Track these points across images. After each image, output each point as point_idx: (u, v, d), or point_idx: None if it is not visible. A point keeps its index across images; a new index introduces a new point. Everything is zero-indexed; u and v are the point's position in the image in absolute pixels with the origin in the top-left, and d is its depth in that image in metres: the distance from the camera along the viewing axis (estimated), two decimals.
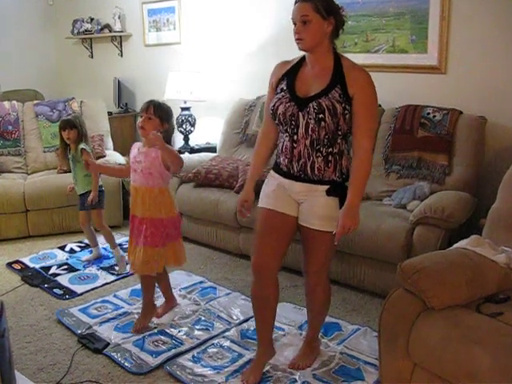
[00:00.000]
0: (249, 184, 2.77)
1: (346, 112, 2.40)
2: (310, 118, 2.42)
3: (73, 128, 3.98)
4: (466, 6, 3.83)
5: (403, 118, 3.94)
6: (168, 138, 3.19)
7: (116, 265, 4.15)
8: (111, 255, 4.30)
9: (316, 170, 2.48)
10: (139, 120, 3.08)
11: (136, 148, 3.19)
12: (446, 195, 3.51)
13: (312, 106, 2.41)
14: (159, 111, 3.05)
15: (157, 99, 3.16)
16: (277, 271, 2.67)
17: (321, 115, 2.39)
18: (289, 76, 2.55)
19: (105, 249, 4.39)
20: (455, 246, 2.64)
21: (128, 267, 4.03)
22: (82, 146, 3.96)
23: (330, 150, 2.47)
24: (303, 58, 2.55)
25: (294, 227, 2.64)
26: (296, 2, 2.42)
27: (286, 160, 2.54)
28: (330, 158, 2.48)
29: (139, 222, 3.12)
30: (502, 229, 2.78)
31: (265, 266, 2.62)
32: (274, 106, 2.53)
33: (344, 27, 2.48)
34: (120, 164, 4.82)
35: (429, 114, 3.85)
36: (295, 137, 2.49)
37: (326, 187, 2.50)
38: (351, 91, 2.39)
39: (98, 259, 4.31)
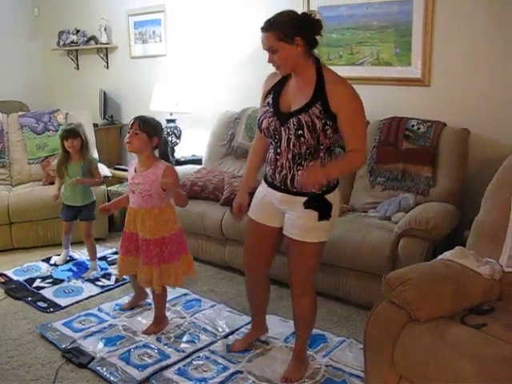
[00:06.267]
0: (243, 189, 2.91)
1: (327, 128, 2.42)
2: (291, 134, 2.46)
3: (76, 137, 4.00)
4: (448, 19, 3.88)
5: (388, 130, 3.96)
6: (163, 153, 3.18)
7: (99, 279, 4.13)
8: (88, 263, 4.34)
9: (295, 182, 2.52)
10: (126, 136, 3.06)
11: (133, 168, 3.16)
12: (431, 207, 3.53)
13: (292, 122, 2.44)
14: (145, 126, 3.04)
15: (144, 114, 3.15)
16: (266, 271, 2.96)
17: (300, 131, 2.43)
18: (276, 89, 2.59)
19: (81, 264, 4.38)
20: (440, 257, 2.65)
21: (93, 274, 4.17)
22: (96, 160, 4.14)
23: (312, 163, 2.49)
24: None
25: (277, 237, 2.76)
26: (261, 31, 2.44)
27: (271, 171, 2.62)
28: None
29: (142, 243, 3.12)
30: (485, 240, 2.80)
31: (253, 268, 2.93)
32: (259, 119, 2.61)
33: (323, 32, 2.45)
34: (106, 177, 4.85)
35: (413, 126, 3.88)
36: (278, 150, 2.54)
37: (305, 199, 2.53)
38: (334, 109, 2.40)
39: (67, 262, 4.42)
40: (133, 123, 3.04)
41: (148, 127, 3.05)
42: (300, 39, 2.39)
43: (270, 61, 2.45)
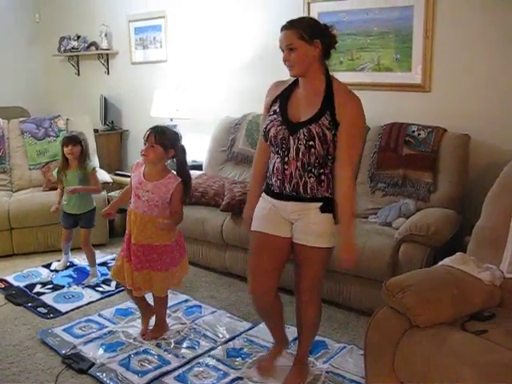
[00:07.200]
0: (252, 200, 2.80)
1: (336, 139, 2.43)
2: (300, 144, 2.44)
3: (76, 144, 4.03)
4: (448, 25, 3.89)
5: (388, 136, 3.97)
6: (181, 164, 3.13)
7: (99, 284, 4.13)
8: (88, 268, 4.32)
9: (309, 189, 2.50)
10: (143, 148, 3.02)
11: (140, 170, 3.10)
12: (431, 212, 3.53)
13: (302, 132, 2.43)
14: (161, 139, 2.98)
15: (161, 124, 3.09)
16: (274, 289, 2.74)
17: (311, 142, 2.42)
18: (282, 98, 2.58)
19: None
20: (440, 263, 2.65)
21: (94, 280, 4.14)
22: (93, 166, 4.12)
23: (322, 170, 2.49)
24: (297, 80, 2.57)
25: (288, 248, 2.67)
26: (282, 30, 2.45)
27: (279, 181, 2.56)
28: (322, 177, 2.50)
29: (139, 248, 3.09)
30: (486, 246, 2.80)
31: (260, 288, 2.71)
32: (266, 127, 2.56)
33: (336, 46, 2.51)
34: (107, 182, 4.89)
35: (414, 131, 3.88)
36: (286, 159, 2.51)
37: (319, 204, 2.52)
38: (338, 117, 2.41)
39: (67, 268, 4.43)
40: (149, 135, 2.99)
41: (164, 139, 2.99)
42: (319, 43, 2.42)
43: (285, 59, 2.44)
